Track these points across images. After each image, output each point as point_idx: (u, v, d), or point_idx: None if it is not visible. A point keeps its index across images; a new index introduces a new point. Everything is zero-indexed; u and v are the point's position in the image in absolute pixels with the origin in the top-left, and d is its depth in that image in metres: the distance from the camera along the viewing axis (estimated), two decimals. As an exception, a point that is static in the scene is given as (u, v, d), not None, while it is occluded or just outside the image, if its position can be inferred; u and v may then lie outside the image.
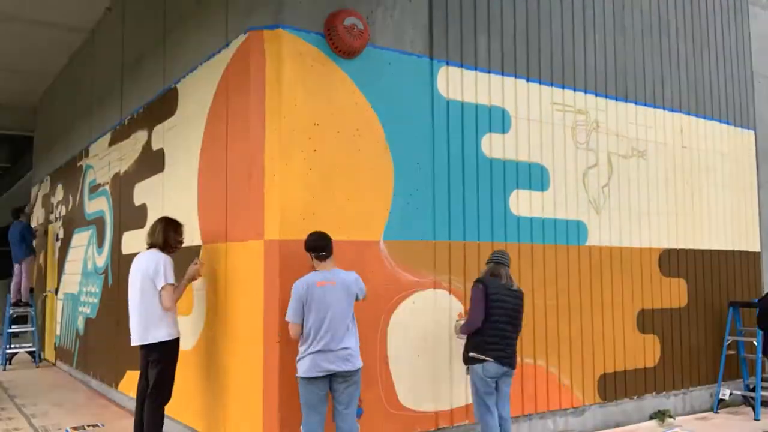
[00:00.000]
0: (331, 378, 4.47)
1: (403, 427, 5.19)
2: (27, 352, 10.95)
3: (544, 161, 6.29)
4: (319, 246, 4.56)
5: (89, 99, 9.39)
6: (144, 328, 5.14)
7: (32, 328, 10.96)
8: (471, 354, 4.94)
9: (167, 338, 5.15)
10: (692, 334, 7.44)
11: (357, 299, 4.66)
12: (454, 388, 5.50)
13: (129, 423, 6.56)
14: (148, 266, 5.14)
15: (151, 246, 5.30)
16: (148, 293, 5.12)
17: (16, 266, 11.16)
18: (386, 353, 5.17)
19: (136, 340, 5.19)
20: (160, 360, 5.15)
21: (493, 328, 4.91)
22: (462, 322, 5.22)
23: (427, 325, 5.41)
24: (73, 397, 8.00)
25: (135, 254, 7.16)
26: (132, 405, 7.06)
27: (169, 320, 5.18)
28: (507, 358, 4.94)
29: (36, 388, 8.69)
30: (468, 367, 5.02)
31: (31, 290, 11.28)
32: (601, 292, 6.62)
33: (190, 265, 5.37)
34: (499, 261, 5.13)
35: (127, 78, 7.78)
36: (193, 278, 5.39)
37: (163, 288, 5.10)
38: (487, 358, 4.88)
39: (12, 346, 10.90)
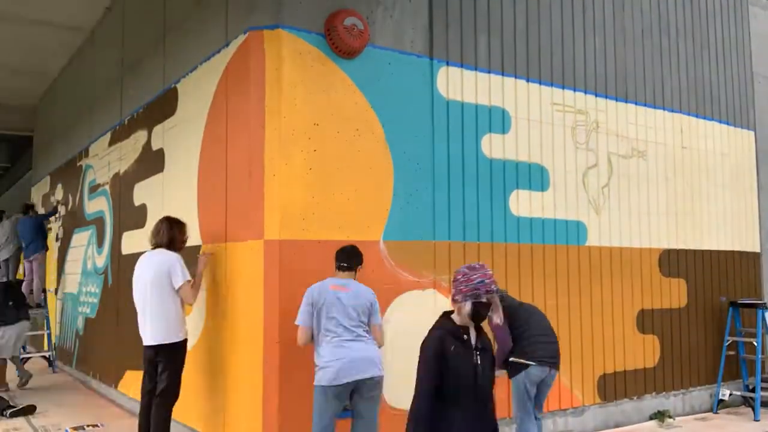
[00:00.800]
0: (354, 386, 4.36)
1: (403, 428, 5.18)
2: (42, 357, 10.38)
3: (544, 161, 6.29)
4: (339, 257, 4.58)
5: (89, 99, 9.39)
6: (160, 328, 5.06)
7: (46, 332, 10.25)
8: (512, 359, 4.97)
9: (182, 338, 5.15)
10: (692, 334, 7.44)
11: (371, 321, 4.53)
12: (453, 389, 5.50)
13: (129, 423, 6.56)
14: (161, 265, 5.08)
15: (156, 246, 5.24)
16: (163, 292, 5.06)
17: (27, 264, 10.70)
18: (386, 353, 5.16)
19: (149, 340, 5.10)
20: (174, 360, 5.11)
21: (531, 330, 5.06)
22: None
23: (427, 325, 5.38)
24: (73, 397, 8.00)
25: (135, 254, 7.18)
26: (132, 405, 7.07)
27: (182, 320, 5.17)
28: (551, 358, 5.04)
29: (36, 388, 8.69)
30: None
31: (44, 291, 10.70)
32: (601, 292, 6.62)
33: (200, 259, 5.36)
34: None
35: (127, 78, 7.78)
36: (203, 268, 5.38)
37: (181, 286, 5.07)
38: (530, 363, 4.94)
39: (25, 350, 10.20)
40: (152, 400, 5.15)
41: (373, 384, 4.42)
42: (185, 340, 5.20)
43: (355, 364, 4.31)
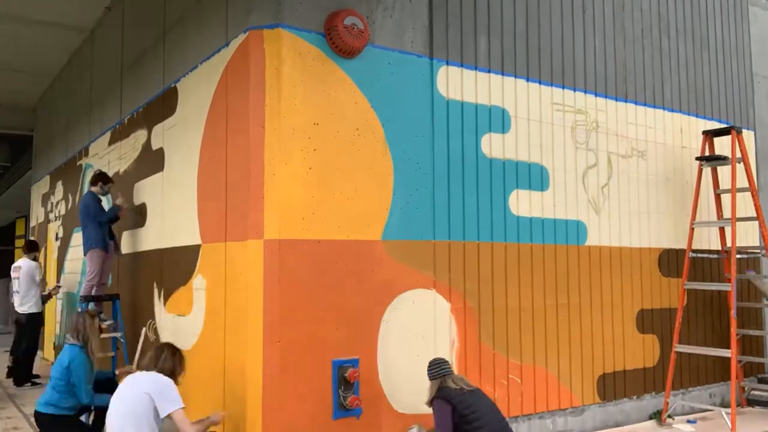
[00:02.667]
0: None
1: (402, 427, 5.19)
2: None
3: (543, 161, 6.29)
4: None
5: (89, 98, 9.39)
6: None
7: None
8: None
9: None
10: (692, 334, 7.43)
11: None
12: (453, 388, 5.50)
13: (128, 422, 6.54)
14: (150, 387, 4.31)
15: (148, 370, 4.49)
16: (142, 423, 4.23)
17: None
18: (386, 353, 5.16)
19: None
20: None
21: None
22: None
23: (426, 325, 5.41)
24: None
25: (134, 254, 7.18)
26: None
27: None
28: None
29: (35, 388, 8.69)
30: None
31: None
32: (601, 292, 6.62)
33: (214, 415, 4.73)
34: (445, 373, 4.72)
35: (126, 77, 7.78)
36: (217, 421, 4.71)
37: (175, 412, 4.30)
38: None
39: None
40: None
41: None
42: None
43: None
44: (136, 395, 4.28)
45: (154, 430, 4.26)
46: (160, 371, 4.45)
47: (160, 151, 6.58)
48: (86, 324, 5.12)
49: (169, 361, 4.53)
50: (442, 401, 4.58)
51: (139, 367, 4.63)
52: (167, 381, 4.40)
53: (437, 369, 4.78)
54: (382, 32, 5.34)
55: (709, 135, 7.29)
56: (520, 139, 6.13)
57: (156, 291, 6.52)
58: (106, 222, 7.10)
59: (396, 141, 5.32)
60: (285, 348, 4.69)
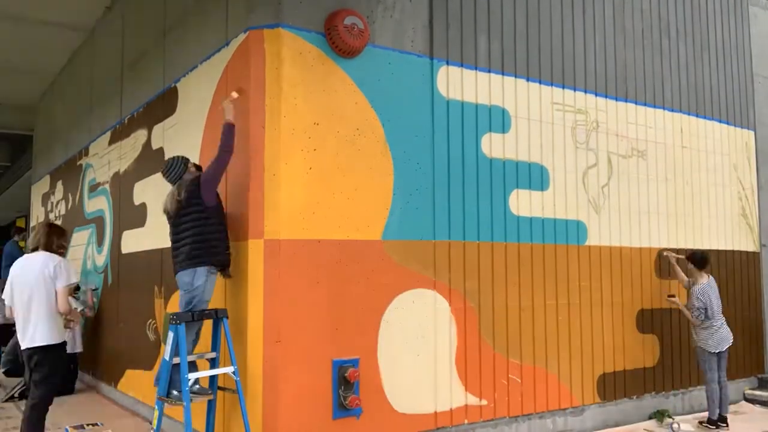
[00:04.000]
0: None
1: (402, 427, 5.19)
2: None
3: (544, 161, 6.30)
4: None
5: (89, 98, 9.39)
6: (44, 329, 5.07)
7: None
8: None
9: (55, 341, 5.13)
10: (692, 334, 7.43)
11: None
12: (453, 388, 5.50)
13: (129, 422, 6.58)
14: (44, 266, 5.06)
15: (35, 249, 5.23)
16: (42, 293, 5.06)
17: None
18: (386, 353, 5.16)
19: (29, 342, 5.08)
20: (44, 364, 5.08)
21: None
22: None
23: (426, 325, 5.41)
24: (72, 396, 8.00)
25: (135, 253, 7.19)
26: (132, 403, 7.08)
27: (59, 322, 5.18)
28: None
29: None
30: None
31: None
32: (601, 292, 6.62)
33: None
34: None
35: (127, 77, 7.78)
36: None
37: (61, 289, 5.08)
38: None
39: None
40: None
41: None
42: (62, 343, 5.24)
43: None
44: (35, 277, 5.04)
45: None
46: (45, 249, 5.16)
47: (161, 150, 6.58)
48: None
49: (44, 238, 5.19)
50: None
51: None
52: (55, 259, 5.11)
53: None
54: (383, 32, 5.34)
55: None
56: (520, 139, 6.13)
57: (156, 291, 6.52)
58: None
59: (396, 141, 5.32)
60: (285, 348, 4.70)
